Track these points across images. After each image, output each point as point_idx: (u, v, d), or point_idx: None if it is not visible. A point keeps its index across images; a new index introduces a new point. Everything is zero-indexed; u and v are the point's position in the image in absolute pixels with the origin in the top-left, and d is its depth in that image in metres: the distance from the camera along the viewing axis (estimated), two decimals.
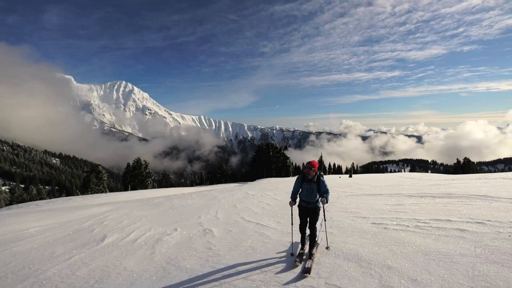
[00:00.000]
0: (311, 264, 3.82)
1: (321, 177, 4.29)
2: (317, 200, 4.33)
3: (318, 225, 6.04)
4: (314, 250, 4.19)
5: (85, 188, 36.02)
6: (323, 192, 4.21)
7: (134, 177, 39.70)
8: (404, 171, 74.89)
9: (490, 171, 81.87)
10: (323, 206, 4.35)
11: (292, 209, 4.59)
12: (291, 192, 4.52)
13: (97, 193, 32.90)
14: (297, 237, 4.77)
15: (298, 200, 4.48)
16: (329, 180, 21.48)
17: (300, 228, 4.44)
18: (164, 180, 49.04)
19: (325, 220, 4.80)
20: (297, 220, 4.51)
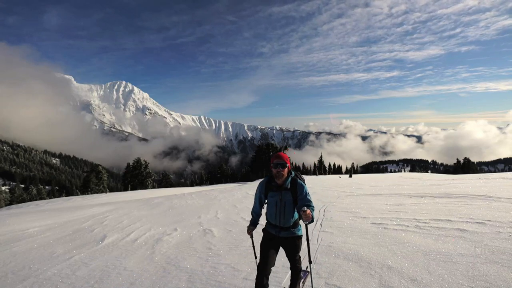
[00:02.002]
0: None
1: (299, 180, 2.66)
2: (295, 224, 2.67)
3: (318, 224, 6.04)
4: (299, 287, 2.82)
5: (85, 188, 36.04)
6: (302, 205, 2.47)
7: (134, 177, 39.72)
8: (404, 171, 74.89)
9: (490, 171, 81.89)
10: (305, 225, 2.56)
11: (252, 240, 2.98)
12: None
13: (97, 193, 32.91)
14: None
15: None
16: (329, 180, 21.42)
17: (259, 269, 2.56)
18: (164, 180, 49.07)
19: (310, 263, 2.84)
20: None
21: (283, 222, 2.63)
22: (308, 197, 2.57)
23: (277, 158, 2.61)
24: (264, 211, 2.82)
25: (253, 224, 2.87)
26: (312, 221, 2.42)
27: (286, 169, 2.61)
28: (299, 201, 2.55)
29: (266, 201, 2.77)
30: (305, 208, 2.39)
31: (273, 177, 2.68)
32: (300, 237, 2.70)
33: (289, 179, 2.65)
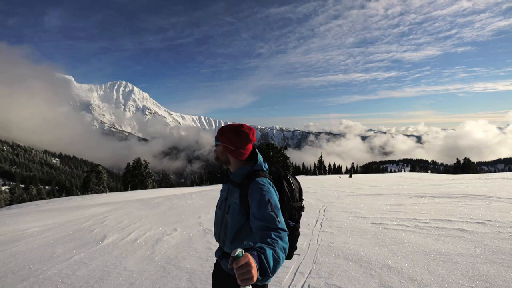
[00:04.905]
0: None
1: (261, 179, 1.31)
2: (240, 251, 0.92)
3: (318, 225, 6.03)
4: None
5: (85, 188, 36.07)
6: (256, 227, 1.16)
7: (134, 177, 39.73)
8: (404, 171, 74.90)
9: (490, 171, 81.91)
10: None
11: None
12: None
13: (97, 193, 32.91)
14: None
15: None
16: (329, 180, 21.41)
17: None
18: (164, 180, 49.10)
19: None
20: None
21: (222, 239, 1.44)
22: (265, 211, 1.17)
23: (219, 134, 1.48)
24: None
25: None
26: (265, 281, 0.96)
27: (220, 148, 1.46)
28: (251, 219, 1.23)
29: None
30: (236, 250, 0.89)
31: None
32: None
33: (244, 171, 1.41)
